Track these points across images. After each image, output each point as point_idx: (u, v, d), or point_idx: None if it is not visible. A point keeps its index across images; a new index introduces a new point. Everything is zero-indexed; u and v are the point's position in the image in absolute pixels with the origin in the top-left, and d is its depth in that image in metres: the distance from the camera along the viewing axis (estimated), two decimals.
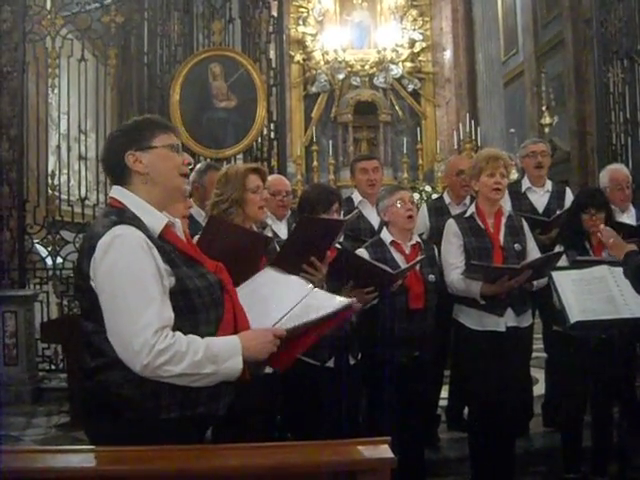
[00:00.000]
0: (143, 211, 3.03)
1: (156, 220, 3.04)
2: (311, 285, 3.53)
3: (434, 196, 12.86)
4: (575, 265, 5.41)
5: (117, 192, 3.12)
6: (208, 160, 8.44)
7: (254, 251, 4.23)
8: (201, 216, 5.54)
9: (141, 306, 2.83)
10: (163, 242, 3.00)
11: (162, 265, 2.92)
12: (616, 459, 5.39)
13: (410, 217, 5.46)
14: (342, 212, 6.16)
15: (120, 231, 2.91)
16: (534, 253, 5.68)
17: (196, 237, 4.30)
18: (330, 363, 5.11)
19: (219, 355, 2.91)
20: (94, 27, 9.34)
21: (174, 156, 3.14)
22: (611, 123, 9.26)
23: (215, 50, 9.15)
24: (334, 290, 4.80)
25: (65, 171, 9.67)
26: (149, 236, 2.95)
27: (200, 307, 2.99)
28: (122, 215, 2.99)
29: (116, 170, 3.13)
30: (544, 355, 7.18)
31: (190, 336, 2.89)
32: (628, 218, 6.57)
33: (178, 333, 2.86)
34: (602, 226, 5.19)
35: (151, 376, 2.82)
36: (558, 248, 5.74)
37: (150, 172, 3.08)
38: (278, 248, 4.86)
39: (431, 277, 5.48)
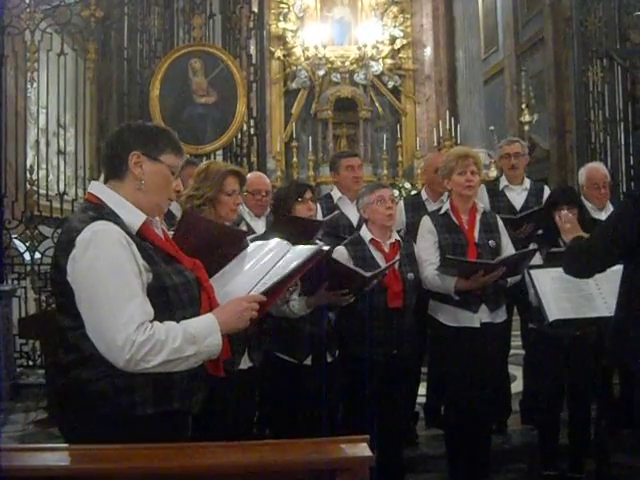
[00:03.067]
0: (121, 208, 3.02)
1: (134, 217, 3.03)
2: (287, 243, 3.53)
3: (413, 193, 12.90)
4: (549, 257, 5.43)
5: (95, 188, 3.12)
6: (186, 156, 8.42)
7: (230, 247, 4.22)
8: (177, 210, 5.53)
9: (123, 301, 2.82)
10: (141, 239, 3.00)
11: (140, 261, 2.92)
12: (593, 456, 5.41)
13: (390, 216, 5.47)
14: (319, 204, 6.19)
15: (99, 227, 2.90)
16: (509, 249, 5.72)
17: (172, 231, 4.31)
18: (308, 361, 5.12)
19: (197, 335, 2.91)
20: (74, 21, 9.29)
21: (170, 178, 3.15)
22: (590, 122, 9.30)
23: (195, 46, 9.12)
24: (310, 291, 4.83)
25: (44, 166, 9.63)
26: (127, 232, 2.94)
27: (177, 304, 2.99)
28: (100, 211, 2.98)
29: (114, 162, 3.11)
30: (522, 352, 7.20)
31: (167, 323, 2.89)
32: (606, 216, 6.60)
33: (156, 323, 2.86)
34: (564, 212, 5.21)
35: (135, 369, 2.82)
36: (532, 245, 5.77)
37: (145, 181, 3.07)
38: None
39: (410, 275, 5.48)
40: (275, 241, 3.58)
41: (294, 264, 3.34)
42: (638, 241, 3.40)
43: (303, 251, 3.45)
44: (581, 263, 3.97)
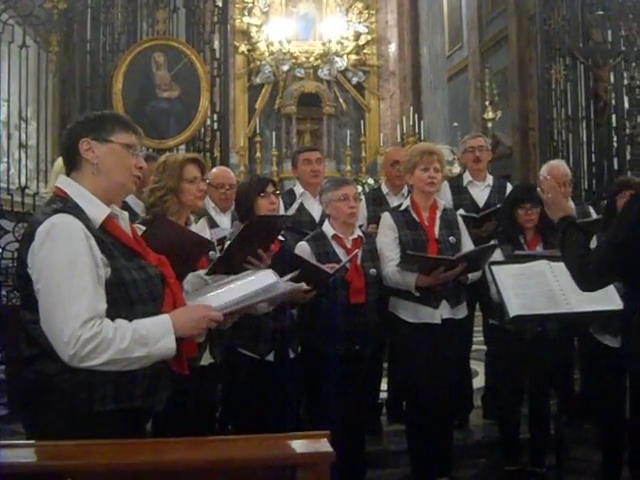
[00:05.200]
0: (85, 201, 3.02)
1: (98, 210, 3.03)
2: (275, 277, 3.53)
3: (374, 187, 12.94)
4: (512, 260, 5.45)
5: (62, 181, 3.12)
6: (146, 150, 8.38)
7: (194, 253, 4.24)
8: (138, 206, 5.51)
9: (73, 296, 2.82)
10: (103, 233, 2.99)
11: (99, 255, 2.90)
12: (554, 450, 5.45)
13: (353, 214, 5.48)
14: (281, 199, 6.20)
15: (58, 219, 2.90)
16: (468, 246, 5.76)
17: (134, 226, 4.30)
18: (270, 357, 5.12)
19: (149, 337, 2.90)
20: (36, 13, 9.18)
21: (127, 156, 3.15)
22: (553, 119, 9.34)
23: (159, 39, 9.05)
24: None
25: (5, 159, 9.54)
26: (88, 226, 2.93)
27: (137, 300, 2.98)
28: (64, 204, 2.99)
29: (68, 154, 3.14)
30: (484, 348, 7.23)
31: (118, 321, 2.88)
32: None
33: (105, 320, 2.85)
34: (548, 177, 5.11)
35: (80, 366, 2.81)
36: (493, 241, 5.79)
37: (99, 164, 3.08)
38: (215, 242, 4.90)
39: (372, 271, 5.49)
40: (267, 272, 3.58)
41: (260, 297, 3.38)
42: None
43: (278, 286, 3.45)
44: (595, 280, 3.80)
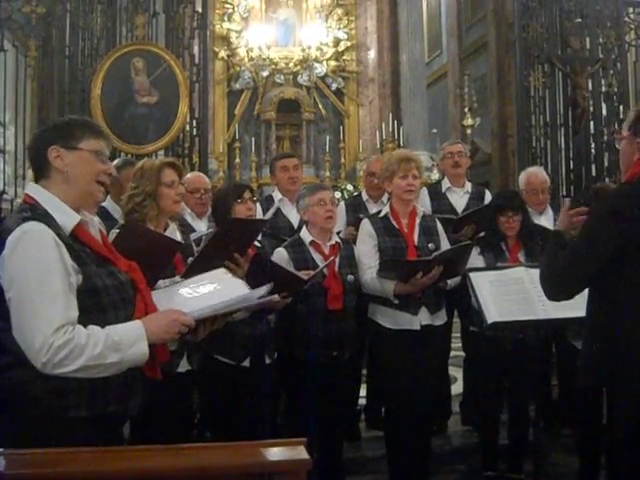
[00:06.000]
0: (55, 208, 3.00)
1: (68, 218, 3.00)
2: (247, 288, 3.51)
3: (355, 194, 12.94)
4: (494, 268, 5.46)
5: (31, 189, 3.10)
6: (125, 156, 8.38)
7: (165, 256, 4.24)
8: (117, 212, 5.51)
9: (44, 304, 2.80)
10: (74, 240, 2.97)
11: (69, 262, 2.88)
12: (532, 456, 5.47)
13: (329, 218, 5.48)
14: (260, 205, 6.21)
15: (29, 227, 2.88)
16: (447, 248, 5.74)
17: (113, 231, 4.29)
18: (246, 363, 5.10)
19: (122, 342, 2.88)
20: (15, 17, 9.15)
21: (96, 163, 3.12)
22: (531, 126, 9.40)
23: (138, 44, 9.04)
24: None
25: None
26: (59, 233, 2.91)
27: (108, 306, 2.96)
28: (34, 211, 2.96)
29: (36, 162, 3.12)
30: (463, 354, 7.25)
31: (90, 327, 2.86)
32: (546, 220, 6.68)
33: (78, 327, 2.83)
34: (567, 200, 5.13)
35: (53, 373, 2.79)
36: (474, 248, 5.80)
37: (68, 172, 3.05)
38: (193, 244, 4.90)
39: (350, 277, 5.49)
40: (239, 281, 3.57)
41: (234, 307, 3.36)
42: (619, 255, 3.30)
43: (252, 298, 3.43)
44: (560, 286, 3.72)
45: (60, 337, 2.77)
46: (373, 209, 6.62)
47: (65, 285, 2.85)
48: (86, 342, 2.81)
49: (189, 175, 6.31)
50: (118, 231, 4.37)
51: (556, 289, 3.63)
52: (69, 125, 3.15)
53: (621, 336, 3.30)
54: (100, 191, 3.18)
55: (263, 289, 3.54)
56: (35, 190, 3.07)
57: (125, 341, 2.89)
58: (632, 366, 3.25)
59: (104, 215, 5.72)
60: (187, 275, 4.25)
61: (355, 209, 6.94)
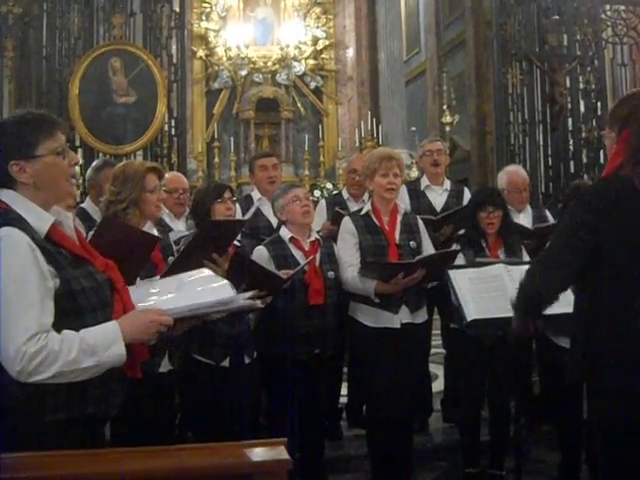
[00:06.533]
0: (28, 212, 2.93)
1: (42, 220, 2.95)
2: (234, 291, 3.48)
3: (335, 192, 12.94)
4: (473, 265, 5.47)
5: (2, 193, 3.00)
6: (103, 156, 8.35)
7: (142, 251, 4.22)
8: (96, 213, 5.50)
9: (18, 312, 2.76)
10: (49, 242, 2.92)
11: (45, 267, 2.84)
12: (513, 452, 5.49)
13: (306, 213, 5.49)
14: (239, 205, 6.21)
15: (3, 233, 2.82)
16: (429, 250, 5.75)
17: (90, 233, 4.28)
18: (225, 363, 5.09)
19: (97, 345, 2.84)
20: None
21: (60, 162, 3.03)
22: (509, 123, 9.40)
23: (115, 44, 8.99)
24: None
25: None
26: (33, 237, 2.86)
27: (86, 308, 2.92)
28: (6, 216, 2.89)
29: (0, 179, 2.99)
30: (443, 351, 7.26)
31: (64, 332, 2.82)
32: (525, 218, 6.71)
33: (51, 333, 2.79)
34: None
35: (28, 381, 2.75)
36: (455, 246, 5.81)
37: (36, 181, 2.97)
38: (173, 244, 4.89)
39: (330, 274, 5.50)
40: (224, 282, 3.53)
41: (215, 309, 3.37)
42: (597, 252, 3.29)
43: (235, 301, 3.41)
44: (542, 284, 3.66)
45: (33, 345, 2.73)
46: (354, 207, 6.61)
47: (41, 291, 2.81)
48: (60, 348, 2.77)
49: (167, 175, 6.30)
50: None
51: (547, 290, 3.61)
52: (20, 132, 3.01)
53: (600, 335, 3.30)
54: (72, 185, 3.14)
55: (248, 294, 3.54)
56: (6, 194, 2.98)
57: (101, 344, 2.85)
58: (605, 364, 3.26)
59: (84, 216, 5.72)
60: (167, 276, 4.25)
61: (336, 207, 6.93)
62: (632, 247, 3.24)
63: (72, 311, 2.88)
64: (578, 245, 3.34)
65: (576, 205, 3.45)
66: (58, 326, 2.83)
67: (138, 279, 3.96)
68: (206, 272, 3.65)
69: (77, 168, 7.41)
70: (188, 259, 4.49)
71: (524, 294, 3.72)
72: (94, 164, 6.75)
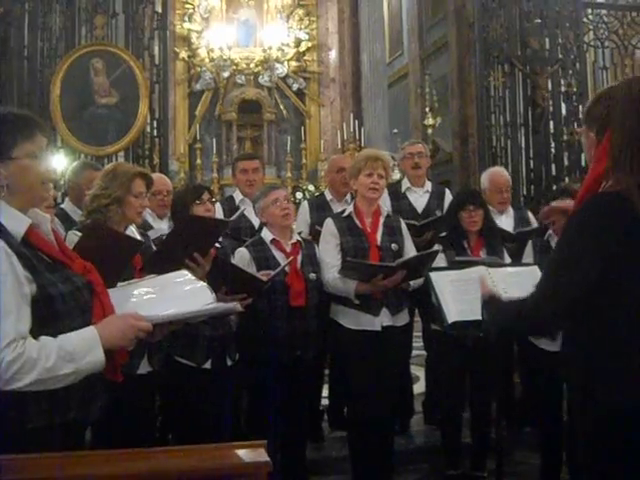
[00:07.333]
0: (3, 214, 2.86)
1: (18, 223, 2.87)
2: (214, 296, 3.45)
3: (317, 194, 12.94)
4: (453, 266, 5.48)
5: None
6: (84, 157, 8.33)
7: (127, 255, 4.23)
8: (76, 214, 5.49)
9: None
10: (25, 246, 2.86)
11: (22, 272, 2.78)
12: (494, 454, 5.51)
13: (286, 215, 5.49)
14: (221, 206, 6.21)
15: None
16: (411, 253, 5.74)
17: (71, 232, 4.28)
18: (207, 365, 5.08)
19: (76, 352, 2.80)
20: None
21: (36, 165, 2.94)
22: (492, 126, 9.43)
23: (97, 45, 8.96)
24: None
25: None
26: (9, 242, 2.80)
27: (64, 314, 2.86)
28: None
29: None
30: (424, 353, 7.27)
31: (42, 339, 2.78)
32: (507, 219, 6.72)
33: (28, 340, 2.75)
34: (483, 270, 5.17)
35: (5, 389, 2.70)
36: (436, 247, 5.82)
37: (10, 184, 2.87)
38: (152, 243, 4.89)
39: (312, 275, 5.50)
40: (203, 285, 3.52)
41: (195, 315, 3.37)
42: (605, 276, 3.15)
43: (216, 310, 3.42)
44: (548, 317, 3.54)
45: (10, 352, 2.68)
46: (337, 209, 6.60)
47: (17, 298, 2.75)
48: (38, 355, 2.73)
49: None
50: (80, 232, 4.35)
51: (550, 318, 3.46)
52: None
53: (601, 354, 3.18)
54: (47, 190, 3.07)
55: (230, 305, 3.54)
56: None
57: (79, 350, 2.81)
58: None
59: (63, 217, 5.71)
60: (146, 269, 4.24)
61: (319, 209, 6.91)
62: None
63: (50, 316, 2.83)
64: (586, 266, 3.20)
65: (571, 229, 3.30)
66: (36, 332, 2.79)
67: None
68: (186, 275, 3.63)
69: (57, 170, 7.40)
70: (168, 253, 4.54)
71: (528, 323, 3.56)
72: (73, 165, 6.74)
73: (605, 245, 3.02)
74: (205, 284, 3.46)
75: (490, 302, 3.63)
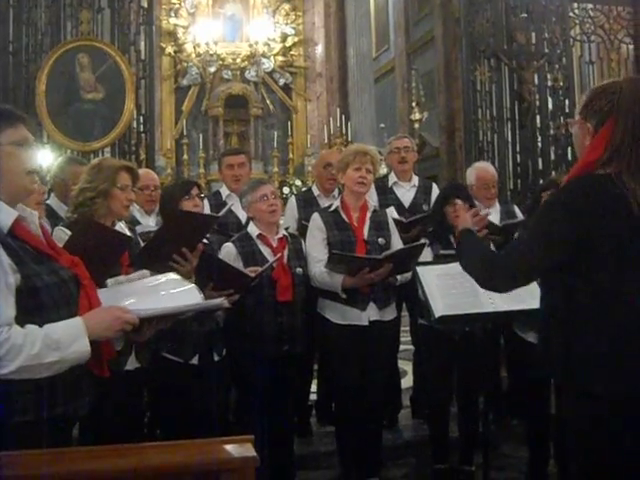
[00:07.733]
0: None
1: (5, 215, 2.88)
2: (202, 297, 3.45)
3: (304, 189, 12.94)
4: (439, 259, 5.49)
5: None
6: (70, 153, 8.31)
7: (116, 251, 4.22)
8: (62, 209, 5.47)
9: None
10: (11, 238, 2.86)
11: (7, 261, 2.78)
12: (482, 448, 5.52)
13: (273, 211, 5.48)
14: (208, 201, 6.20)
15: None
16: (398, 247, 5.73)
17: (58, 228, 4.27)
18: (194, 360, 5.07)
19: (61, 340, 2.80)
20: None
21: (20, 154, 2.94)
22: (478, 120, 9.46)
23: (83, 40, 8.94)
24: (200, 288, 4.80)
25: None
26: None
27: (49, 305, 2.87)
28: None
29: None
30: (412, 347, 7.27)
31: (28, 327, 2.78)
32: (493, 214, 6.71)
33: (14, 327, 2.75)
34: (459, 202, 5.33)
35: None
36: (423, 241, 5.82)
37: None
38: (141, 241, 4.88)
39: (299, 270, 5.49)
40: (191, 286, 3.51)
41: (182, 312, 3.36)
42: (576, 252, 3.18)
43: (202, 306, 3.43)
44: (502, 278, 3.59)
45: None
46: (325, 204, 6.58)
47: (2, 286, 2.76)
48: (23, 342, 2.73)
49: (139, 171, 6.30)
50: (67, 228, 4.35)
51: (504, 281, 3.55)
52: None
53: (584, 336, 3.21)
54: (33, 182, 3.06)
55: (217, 301, 3.54)
56: None
57: (64, 339, 2.81)
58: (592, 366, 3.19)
59: (49, 213, 5.69)
60: (134, 264, 4.24)
61: (306, 204, 6.89)
62: (618, 244, 3.14)
63: (34, 307, 2.83)
64: (551, 242, 3.25)
65: (550, 203, 3.35)
66: (21, 322, 2.78)
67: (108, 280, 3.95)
68: (172, 276, 3.63)
69: (43, 165, 7.38)
70: (157, 248, 4.54)
71: (481, 270, 3.62)
72: (59, 161, 6.72)
73: (581, 224, 3.06)
74: (194, 285, 3.47)
75: (466, 235, 3.74)
